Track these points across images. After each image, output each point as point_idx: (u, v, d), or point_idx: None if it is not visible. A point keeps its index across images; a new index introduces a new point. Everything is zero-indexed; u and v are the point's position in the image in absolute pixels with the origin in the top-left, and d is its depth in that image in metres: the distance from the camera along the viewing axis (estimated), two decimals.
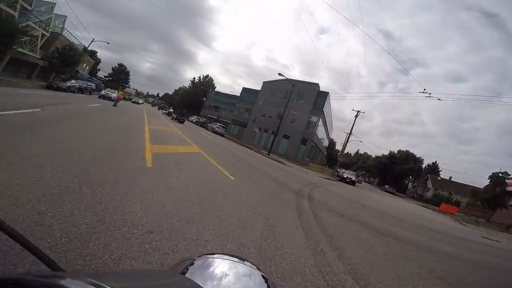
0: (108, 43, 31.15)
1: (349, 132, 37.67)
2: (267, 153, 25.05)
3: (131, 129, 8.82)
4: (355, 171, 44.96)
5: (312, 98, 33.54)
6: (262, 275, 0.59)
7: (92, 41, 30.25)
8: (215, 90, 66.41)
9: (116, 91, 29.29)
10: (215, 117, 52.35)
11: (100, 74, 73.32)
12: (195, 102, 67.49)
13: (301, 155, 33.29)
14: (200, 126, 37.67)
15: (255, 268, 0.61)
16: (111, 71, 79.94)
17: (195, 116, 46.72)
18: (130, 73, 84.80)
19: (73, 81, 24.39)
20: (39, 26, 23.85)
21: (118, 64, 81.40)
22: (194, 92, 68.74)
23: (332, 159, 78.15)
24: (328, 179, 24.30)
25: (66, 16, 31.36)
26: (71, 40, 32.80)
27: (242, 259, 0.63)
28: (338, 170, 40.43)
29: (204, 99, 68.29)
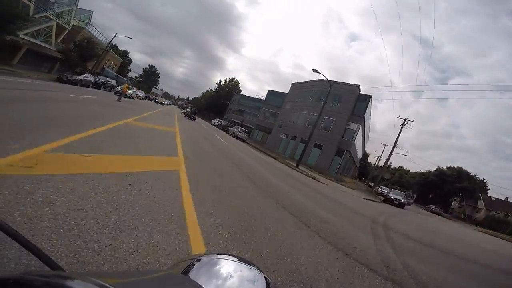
0: (130, 38, 29.56)
1: (393, 143, 31.80)
2: (295, 165, 20.59)
3: (66, 123, 5.18)
4: (387, 186, 38.84)
5: (351, 101, 28.42)
6: (266, 279, 0.57)
7: (114, 36, 28.84)
8: (241, 93, 63.63)
9: (133, 87, 27.11)
10: (239, 121, 49.14)
11: (132, 74, 75.14)
12: (220, 105, 65.21)
13: (334, 168, 28.17)
14: (221, 129, 34.47)
15: (259, 271, 0.58)
16: (142, 72, 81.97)
17: (218, 119, 43.79)
18: (160, 75, 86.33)
19: (87, 74, 22.52)
20: (55, 17, 22.43)
21: (149, 65, 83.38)
22: (220, 95, 66.62)
23: (365, 172, 70.73)
24: (371, 200, 19.24)
25: (92, 11, 30.46)
26: (97, 36, 31.84)
27: (245, 261, 0.60)
28: (373, 185, 34.62)
29: (229, 102, 65.89)
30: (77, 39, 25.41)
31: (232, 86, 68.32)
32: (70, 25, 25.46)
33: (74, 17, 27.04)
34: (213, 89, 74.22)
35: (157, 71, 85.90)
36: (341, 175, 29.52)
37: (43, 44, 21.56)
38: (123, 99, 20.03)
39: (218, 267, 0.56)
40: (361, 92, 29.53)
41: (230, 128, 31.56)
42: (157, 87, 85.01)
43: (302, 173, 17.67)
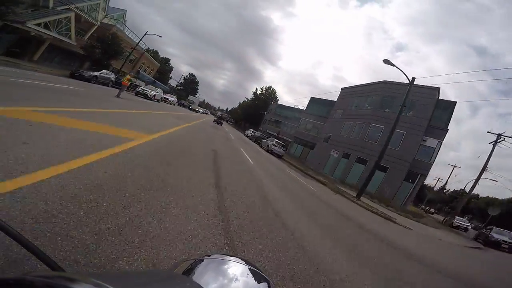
0: (161, 37, 27.02)
1: (483, 165, 23.19)
2: (354, 195, 14.23)
3: None
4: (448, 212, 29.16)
5: (428, 109, 20.99)
6: (265, 279, 0.56)
7: (145, 34, 26.57)
8: (278, 103, 58.50)
9: (158, 89, 23.93)
10: (274, 133, 43.94)
11: (174, 83, 75.85)
12: (256, 115, 60.81)
13: (402, 197, 20.78)
14: (254, 141, 29.59)
15: (259, 271, 0.58)
16: (183, 80, 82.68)
17: (251, 130, 39.10)
18: (199, 83, 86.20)
19: (104, 71, 19.87)
20: (79, 11, 20.45)
21: (189, 73, 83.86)
22: (256, 104, 62.40)
23: (420, 195, 59.01)
24: (474, 247, 12.75)
25: (125, 10, 29.00)
26: (130, 36, 30.21)
27: (245, 261, 0.60)
28: (446, 218, 25.61)
29: (265, 112, 61.41)
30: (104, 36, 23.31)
31: (268, 95, 63.81)
32: (98, 21, 23.61)
33: (106, 15, 25.48)
34: (249, 99, 70.62)
35: (196, 80, 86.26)
36: (404, 206, 21.70)
37: (60, 37, 19.47)
38: (130, 96, 16.42)
39: (219, 268, 0.55)
40: (440, 98, 21.97)
41: (263, 140, 26.26)
42: (196, 96, 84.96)
43: (368, 210, 11.42)
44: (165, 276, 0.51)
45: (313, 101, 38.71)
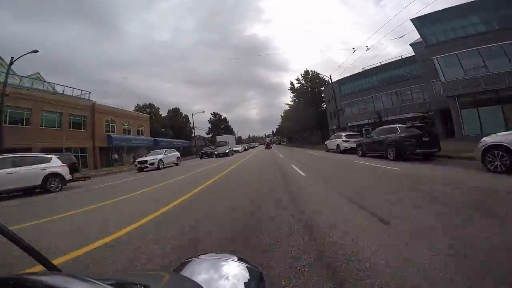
0: (37, 51, 12.29)
1: None
2: None
3: None
4: None
5: None
6: (261, 275, 0.59)
7: (12, 62, 11.56)
8: (334, 81, 36.71)
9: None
10: (367, 120, 23.17)
11: (200, 132, 62.43)
12: (312, 117, 39.86)
13: None
14: (395, 156, 9.67)
15: (255, 268, 0.60)
16: (210, 125, 69.45)
17: (343, 136, 15.86)
18: (228, 120, 71.71)
19: None
20: None
21: (212, 113, 69.73)
22: (305, 101, 42.11)
23: None
24: None
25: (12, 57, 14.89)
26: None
27: (242, 259, 0.61)
28: None
29: (324, 106, 41.06)
30: None
31: (311, 82, 43.14)
32: None
33: None
34: (290, 102, 50.66)
35: (223, 117, 72.21)
36: None
37: None
38: None
39: (217, 266, 0.56)
40: None
41: None
42: (233, 134, 68.92)
43: None
44: (164, 276, 0.51)
45: (426, 20, 17.30)
